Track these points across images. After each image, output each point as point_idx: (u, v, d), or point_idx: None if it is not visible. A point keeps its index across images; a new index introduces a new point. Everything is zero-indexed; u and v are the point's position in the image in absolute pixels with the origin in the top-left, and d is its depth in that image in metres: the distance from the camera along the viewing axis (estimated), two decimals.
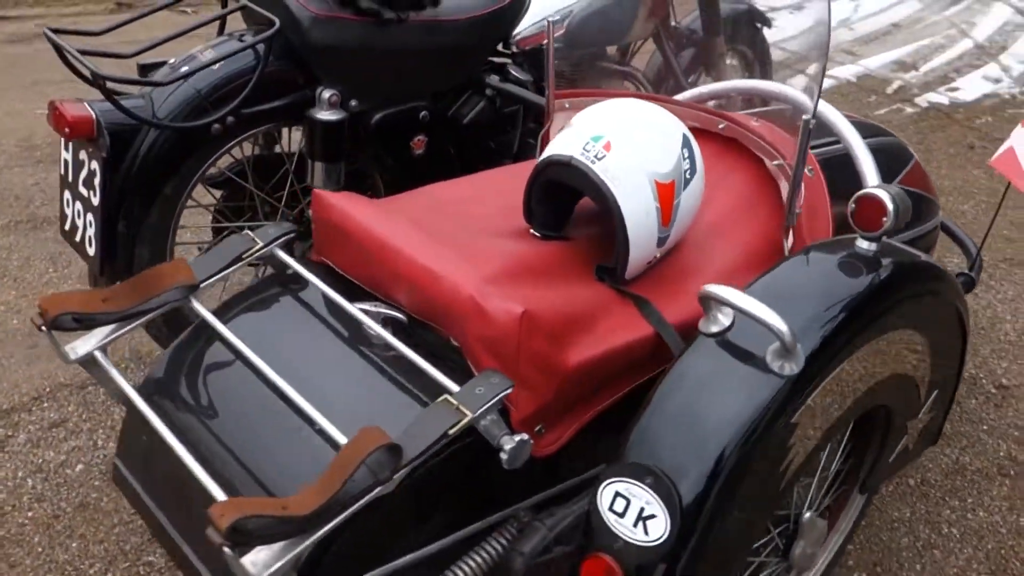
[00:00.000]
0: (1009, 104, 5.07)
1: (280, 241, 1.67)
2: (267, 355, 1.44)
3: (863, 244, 1.43)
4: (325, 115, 2.08)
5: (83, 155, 1.95)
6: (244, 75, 1.99)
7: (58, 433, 2.21)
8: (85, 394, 2.34)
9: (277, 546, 1.18)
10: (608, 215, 1.54)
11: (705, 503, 1.24)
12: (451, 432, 1.28)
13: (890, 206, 1.38)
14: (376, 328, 1.47)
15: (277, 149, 2.34)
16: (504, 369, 1.37)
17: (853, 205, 1.43)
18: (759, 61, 3.15)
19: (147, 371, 1.58)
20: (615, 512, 1.27)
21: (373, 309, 1.53)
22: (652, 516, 1.24)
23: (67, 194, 2.04)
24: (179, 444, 1.34)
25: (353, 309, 1.51)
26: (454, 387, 1.34)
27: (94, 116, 1.88)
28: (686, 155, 1.60)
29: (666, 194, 1.57)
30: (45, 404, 2.30)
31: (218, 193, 2.30)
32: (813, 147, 2.01)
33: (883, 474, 1.73)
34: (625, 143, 1.55)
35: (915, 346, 1.51)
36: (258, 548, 1.17)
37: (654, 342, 1.53)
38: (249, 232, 1.67)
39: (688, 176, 1.60)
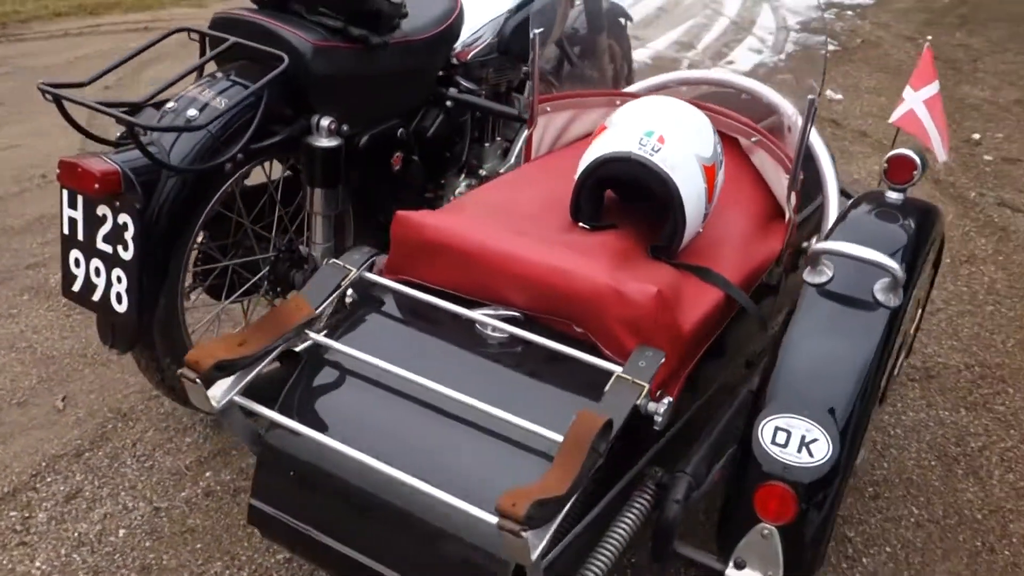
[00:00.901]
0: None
1: (366, 264, 1.74)
2: (413, 368, 1.53)
3: (892, 195, 1.75)
4: (324, 142, 2.12)
5: (103, 210, 1.88)
6: (247, 112, 1.99)
7: (79, 504, 2.10)
8: (86, 460, 2.23)
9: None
10: (664, 200, 1.74)
11: (851, 422, 1.49)
12: (637, 403, 1.45)
13: (919, 161, 1.70)
14: (510, 328, 1.60)
15: (247, 182, 2.34)
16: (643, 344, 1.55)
17: (885, 164, 1.74)
18: (624, 56, 3.46)
19: (280, 407, 1.59)
20: (777, 444, 1.49)
21: (492, 312, 1.66)
22: (814, 440, 1.47)
23: (75, 253, 1.95)
24: (378, 462, 1.41)
25: (475, 315, 1.63)
26: (614, 367, 1.50)
27: (119, 168, 1.83)
28: (717, 139, 1.84)
29: (711, 175, 1.80)
30: (48, 478, 2.17)
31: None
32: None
33: (891, 385, 2.08)
34: (676, 135, 1.76)
35: (927, 272, 1.85)
36: None
37: (723, 304, 1.76)
38: (337, 261, 1.72)
39: (721, 157, 1.84)
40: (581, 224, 1.85)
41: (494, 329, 1.63)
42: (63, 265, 1.99)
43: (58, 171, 1.86)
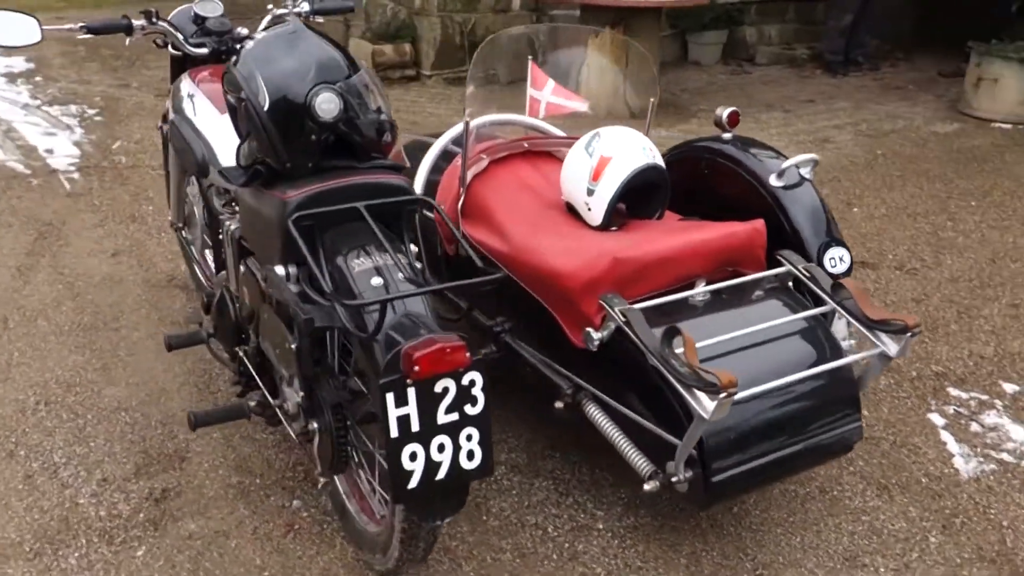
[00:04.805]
0: None
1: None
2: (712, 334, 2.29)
3: (727, 136, 2.95)
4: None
5: (443, 384, 1.90)
6: None
7: None
8: None
9: None
10: (662, 184, 2.69)
11: (842, 238, 2.75)
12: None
13: (739, 115, 2.93)
14: (715, 287, 2.43)
15: None
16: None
17: (726, 116, 2.90)
18: None
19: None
20: (831, 264, 2.68)
21: (702, 287, 2.42)
22: (842, 255, 2.70)
23: (410, 448, 1.88)
24: (781, 379, 2.20)
25: (698, 290, 2.40)
26: (784, 269, 2.50)
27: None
28: None
29: None
30: None
31: None
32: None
33: None
34: (649, 145, 2.69)
35: None
36: None
37: None
38: (627, 307, 2.22)
39: None
40: (612, 228, 2.65)
41: (703, 295, 2.42)
42: (394, 471, 1.90)
43: (415, 368, 1.83)
